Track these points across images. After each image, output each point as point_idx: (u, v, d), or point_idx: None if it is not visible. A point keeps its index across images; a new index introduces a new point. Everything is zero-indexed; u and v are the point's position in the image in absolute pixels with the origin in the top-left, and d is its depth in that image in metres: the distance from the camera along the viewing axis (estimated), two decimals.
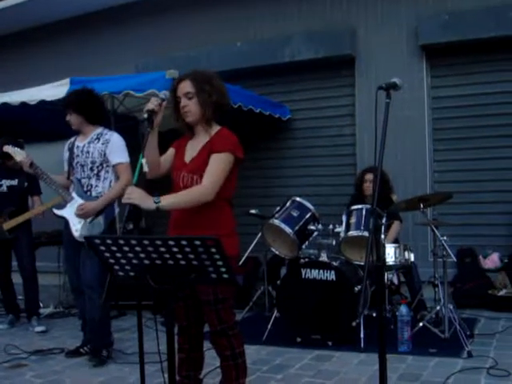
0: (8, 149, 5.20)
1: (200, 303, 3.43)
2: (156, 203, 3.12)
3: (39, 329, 6.45)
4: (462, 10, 7.34)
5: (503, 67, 7.38)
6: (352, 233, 5.51)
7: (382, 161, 2.95)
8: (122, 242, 2.71)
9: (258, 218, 6.51)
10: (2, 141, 6.35)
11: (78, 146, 5.18)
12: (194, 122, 3.44)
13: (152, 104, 3.27)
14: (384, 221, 5.50)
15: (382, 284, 5.59)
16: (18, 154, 5.13)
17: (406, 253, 5.66)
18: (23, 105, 6.68)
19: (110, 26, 9.70)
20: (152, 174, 3.51)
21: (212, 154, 3.35)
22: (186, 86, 3.40)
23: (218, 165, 3.32)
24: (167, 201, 3.18)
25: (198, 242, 2.57)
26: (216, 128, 3.48)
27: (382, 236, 5.31)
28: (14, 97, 6.87)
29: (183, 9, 9.11)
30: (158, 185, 3.62)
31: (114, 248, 2.75)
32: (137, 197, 3.10)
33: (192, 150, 3.51)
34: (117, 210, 5.25)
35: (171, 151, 3.63)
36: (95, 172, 5.10)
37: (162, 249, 2.65)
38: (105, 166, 5.10)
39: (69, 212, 5.13)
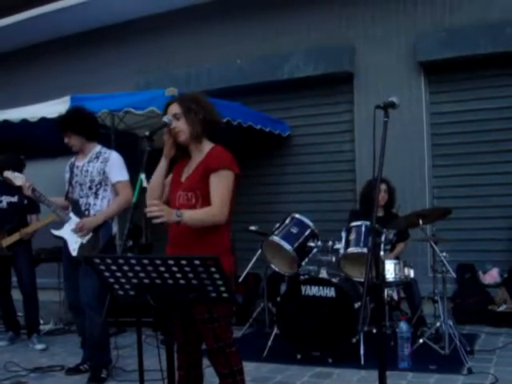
0: (7, 174, 5.24)
1: (195, 321, 3.44)
2: (179, 216, 3.20)
3: (40, 347, 6.43)
4: (460, 27, 7.40)
5: (501, 83, 7.42)
6: (351, 249, 5.52)
7: (379, 179, 2.97)
8: (121, 261, 2.73)
9: (258, 235, 6.52)
10: (4, 158, 6.39)
11: (77, 166, 5.21)
12: (186, 140, 3.49)
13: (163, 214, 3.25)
14: (391, 236, 5.57)
15: (382, 301, 5.60)
16: (17, 179, 5.16)
17: (406, 269, 5.69)
18: (24, 122, 6.70)
19: (110, 44, 9.76)
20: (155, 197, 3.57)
21: (211, 173, 3.39)
22: (174, 108, 3.51)
23: (223, 184, 3.38)
24: (189, 219, 3.26)
25: (197, 262, 2.58)
26: (209, 145, 3.54)
27: (382, 252, 5.33)
28: (15, 114, 6.91)
29: (183, 26, 9.17)
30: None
31: (114, 267, 2.76)
32: (165, 214, 3.16)
33: (188, 170, 3.56)
34: (115, 229, 5.27)
35: (170, 176, 3.67)
36: (93, 191, 5.13)
37: (162, 268, 2.67)
38: (103, 184, 5.13)
39: (66, 232, 5.15)
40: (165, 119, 3.44)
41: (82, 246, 5.08)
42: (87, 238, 5.08)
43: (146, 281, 2.76)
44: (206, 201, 3.39)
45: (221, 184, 3.37)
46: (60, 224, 5.23)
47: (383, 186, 6.51)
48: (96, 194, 5.14)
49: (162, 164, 3.54)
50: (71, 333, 7.07)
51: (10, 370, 5.58)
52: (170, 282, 2.71)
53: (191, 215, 3.29)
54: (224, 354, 3.41)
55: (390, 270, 5.58)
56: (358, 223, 5.67)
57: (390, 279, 5.60)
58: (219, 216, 3.34)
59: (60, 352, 6.33)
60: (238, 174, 3.47)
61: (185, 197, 3.43)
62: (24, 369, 5.58)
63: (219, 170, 3.38)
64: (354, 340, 5.33)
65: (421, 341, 5.49)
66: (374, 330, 5.56)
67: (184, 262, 2.61)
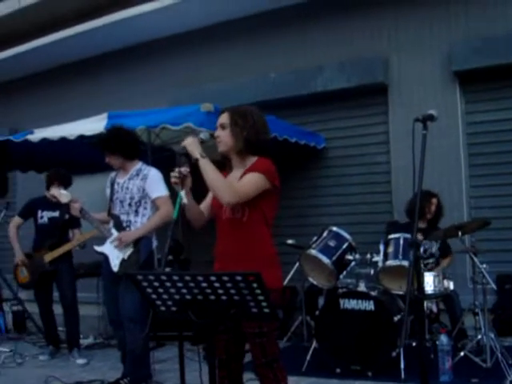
0: (54, 191, 5.38)
1: (241, 336, 3.45)
2: (202, 156, 3.31)
3: (81, 361, 6.48)
4: (494, 35, 7.32)
5: None
6: (390, 262, 5.49)
7: (420, 193, 2.96)
8: (163, 277, 2.76)
9: (295, 249, 6.52)
10: (54, 173, 6.51)
11: (118, 183, 5.29)
12: (225, 151, 3.54)
13: (187, 142, 3.39)
14: (434, 250, 5.54)
15: (422, 315, 5.55)
16: (63, 196, 5.29)
17: (446, 281, 5.64)
18: (62, 140, 6.81)
19: (145, 60, 9.89)
20: (197, 224, 3.61)
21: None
22: (223, 118, 3.54)
23: (250, 179, 3.39)
24: (206, 165, 3.31)
25: (239, 278, 2.60)
26: (252, 159, 3.55)
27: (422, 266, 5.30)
28: (54, 132, 7.01)
29: (216, 42, 9.25)
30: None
31: (156, 284, 2.79)
32: (189, 141, 3.34)
33: None
34: (155, 244, 5.32)
35: (210, 195, 3.68)
36: (134, 208, 5.20)
37: (204, 284, 2.69)
38: (143, 202, 5.19)
39: (108, 248, 5.22)
40: (201, 136, 3.46)
41: (123, 262, 5.14)
42: (128, 253, 5.15)
43: (188, 297, 2.78)
44: (253, 212, 3.42)
45: (248, 178, 3.40)
46: (102, 240, 5.30)
47: (434, 200, 6.51)
48: (136, 212, 5.21)
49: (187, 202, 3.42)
50: (110, 347, 7.12)
51: None
52: (212, 297, 2.73)
53: (210, 167, 3.31)
54: (272, 369, 3.40)
55: (430, 282, 5.53)
56: (397, 235, 5.64)
57: (430, 292, 5.55)
58: (229, 195, 3.29)
59: (100, 366, 6.37)
60: (276, 186, 3.48)
61: (230, 210, 3.45)
62: (65, 383, 5.64)
63: (253, 171, 3.42)
64: (394, 354, 5.28)
65: (462, 354, 5.44)
66: (414, 344, 5.52)
67: (226, 278, 2.63)
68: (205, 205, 3.67)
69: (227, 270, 3.24)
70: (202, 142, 3.43)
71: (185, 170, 3.35)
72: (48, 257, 6.53)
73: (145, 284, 2.82)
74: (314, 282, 5.83)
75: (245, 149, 3.51)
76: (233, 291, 2.67)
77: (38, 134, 7.11)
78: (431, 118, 3.17)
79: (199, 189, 3.54)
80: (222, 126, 3.52)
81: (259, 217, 3.45)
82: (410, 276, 2.79)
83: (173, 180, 3.34)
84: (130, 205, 5.21)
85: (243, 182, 3.40)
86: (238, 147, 3.50)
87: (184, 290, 2.76)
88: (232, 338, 3.49)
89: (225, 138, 3.50)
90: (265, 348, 3.37)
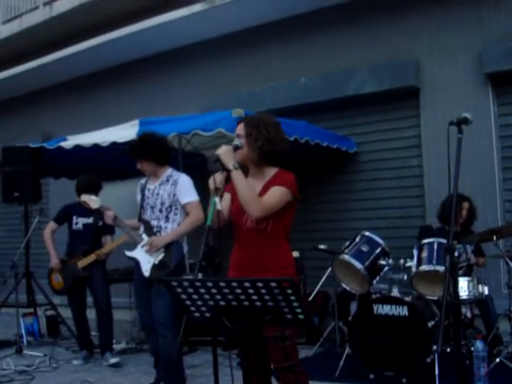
0: (84, 198, 5.43)
1: (262, 341, 3.45)
2: (234, 168, 3.34)
3: (113, 360, 6.53)
4: None
5: None
6: (424, 267, 5.43)
7: (451, 198, 2.93)
8: (198, 283, 2.77)
9: (327, 253, 6.49)
10: (83, 180, 6.57)
11: (149, 189, 5.33)
12: (242, 161, 3.54)
13: (220, 151, 3.42)
14: (469, 254, 5.47)
15: (459, 322, 5.47)
16: (93, 202, 5.34)
17: (480, 286, 5.56)
18: (95, 146, 6.87)
19: (176, 67, 9.97)
20: (217, 225, 3.57)
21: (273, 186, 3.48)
22: (239, 128, 3.59)
23: (275, 193, 3.43)
24: (238, 176, 3.36)
25: (273, 284, 2.60)
26: (272, 170, 3.59)
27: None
28: (86, 139, 7.08)
29: (246, 47, 9.27)
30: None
31: (191, 290, 2.80)
32: (222, 151, 3.37)
33: None
34: (186, 248, 5.33)
35: (227, 196, 3.68)
36: (164, 214, 5.22)
37: (238, 290, 2.69)
38: (173, 207, 5.22)
39: (139, 253, 5.25)
40: (236, 142, 3.49)
41: (154, 267, 5.16)
42: (159, 258, 5.17)
43: (222, 303, 2.78)
44: (276, 223, 3.46)
45: (273, 193, 3.43)
46: (133, 245, 5.34)
47: (466, 205, 6.42)
48: (167, 218, 5.23)
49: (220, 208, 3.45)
50: (143, 352, 7.15)
51: None
52: (246, 303, 2.73)
53: (238, 180, 3.36)
54: (293, 373, 3.42)
55: (464, 287, 5.47)
56: (431, 240, 5.58)
57: (464, 297, 5.48)
58: (257, 208, 3.36)
59: (133, 371, 6.40)
60: (297, 199, 3.53)
61: (254, 220, 3.47)
62: None
63: (278, 185, 3.46)
64: (429, 359, 5.22)
65: (497, 360, 5.35)
66: (448, 349, 5.45)
67: (260, 285, 2.63)
68: (224, 205, 3.64)
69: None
70: (237, 148, 3.45)
71: (222, 176, 3.37)
72: (81, 263, 6.59)
73: (179, 290, 2.83)
74: (347, 288, 5.80)
75: (260, 159, 3.53)
76: (267, 297, 2.67)
77: (71, 141, 7.20)
78: (466, 121, 3.16)
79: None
80: (238, 137, 3.55)
81: (280, 227, 3.51)
82: (447, 281, 2.76)
83: (212, 186, 3.37)
84: (160, 210, 5.23)
85: (269, 196, 3.43)
86: (253, 157, 3.52)
87: (218, 296, 2.77)
88: (257, 341, 3.48)
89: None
90: (287, 352, 3.39)
